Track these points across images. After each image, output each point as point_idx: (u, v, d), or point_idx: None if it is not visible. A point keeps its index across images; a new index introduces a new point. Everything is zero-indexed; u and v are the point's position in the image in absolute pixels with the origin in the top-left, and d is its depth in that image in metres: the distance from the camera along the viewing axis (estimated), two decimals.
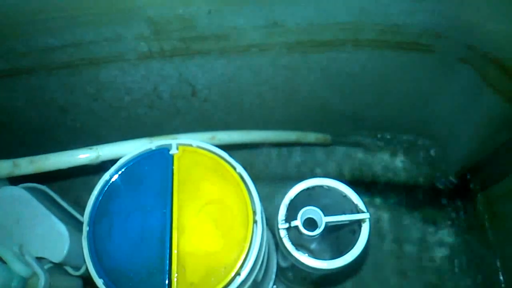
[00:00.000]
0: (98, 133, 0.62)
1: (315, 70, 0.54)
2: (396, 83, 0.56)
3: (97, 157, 0.41)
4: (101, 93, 0.54)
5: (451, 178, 0.66)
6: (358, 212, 0.35)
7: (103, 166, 0.44)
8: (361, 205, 0.35)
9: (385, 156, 0.69)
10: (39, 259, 0.36)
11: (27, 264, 0.33)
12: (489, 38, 0.45)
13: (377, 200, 0.67)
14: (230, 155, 0.37)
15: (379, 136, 0.69)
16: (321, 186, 0.36)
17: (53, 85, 0.52)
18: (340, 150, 0.69)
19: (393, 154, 0.69)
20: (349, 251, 0.35)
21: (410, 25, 0.46)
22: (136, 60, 0.49)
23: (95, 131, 0.62)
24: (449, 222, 0.64)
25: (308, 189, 0.36)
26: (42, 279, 0.33)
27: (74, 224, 0.39)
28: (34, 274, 0.34)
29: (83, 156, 0.40)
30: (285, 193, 0.63)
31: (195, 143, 0.37)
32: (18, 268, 0.31)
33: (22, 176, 0.42)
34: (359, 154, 0.69)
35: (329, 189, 0.37)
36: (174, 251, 0.33)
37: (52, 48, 0.46)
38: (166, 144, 0.38)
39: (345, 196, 0.36)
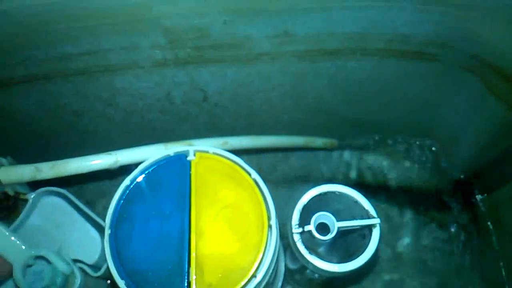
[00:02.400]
0: (109, 137, 0.64)
1: (323, 77, 0.55)
2: (401, 90, 0.57)
3: (116, 162, 0.42)
4: (115, 99, 0.55)
5: (455, 182, 0.67)
6: (368, 218, 0.37)
7: (113, 171, 0.46)
8: (371, 210, 0.37)
9: (389, 160, 0.70)
10: (74, 261, 0.38)
11: (68, 264, 0.35)
12: (492, 48, 0.46)
13: (381, 203, 0.68)
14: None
15: (383, 140, 0.71)
16: (333, 192, 0.38)
17: (68, 91, 0.53)
18: (346, 154, 0.71)
19: (397, 158, 0.70)
20: (360, 255, 0.36)
21: (416, 35, 0.48)
22: (151, 67, 0.50)
23: (107, 135, 0.63)
24: (453, 226, 0.66)
25: (320, 194, 0.38)
26: (78, 278, 0.36)
27: (98, 227, 0.41)
28: (72, 273, 0.36)
29: (103, 161, 0.42)
30: (292, 195, 0.65)
31: (211, 149, 0.39)
32: (62, 267, 0.34)
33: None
34: (364, 158, 0.71)
35: (341, 195, 0.38)
36: (193, 254, 0.35)
37: (69, 55, 0.47)
38: (183, 151, 0.39)
39: (356, 202, 0.38)
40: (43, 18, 0.41)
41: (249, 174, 0.38)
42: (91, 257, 0.41)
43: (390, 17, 0.45)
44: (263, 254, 0.35)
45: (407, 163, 0.70)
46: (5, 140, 0.54)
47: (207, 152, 0.39)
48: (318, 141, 0.64)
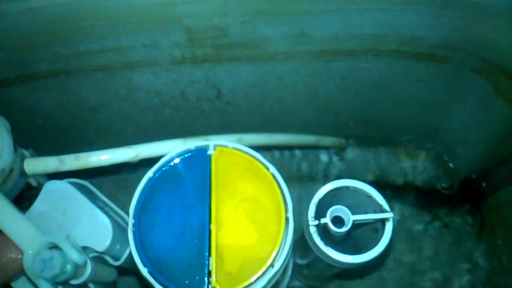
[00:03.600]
0: (124, 132, 0.65)
1: (336, 77, 0.57)
2: (411, 91, 0.59)
3: (136, 155, 0.44)
4: (132, 95, 0.57)
5: (462, 182, 0.68)
6: (382, 212, 0.38)
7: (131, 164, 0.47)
8: (385, 205, 0.38)
9: (396, 159, 0.72)
10: (84, 248, 0.39)
11: (81, 253, 0.35)
12: (503, 52, 0.48)
13: (387, 202, 0.69)
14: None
15: (391, 140, 0.72)
16: (348, 187, 0.39)
17: (87, 86, 0.55)
18: (354, 153, 0.72)
19: (405, 157, 0.72)
20: (373, 247, 0.37)
21: (429, 37, 0.49)
22: (169, 65, 0.52)
23: (122, 130, 0.65)
24: (458, 224, 0.67)
25: (335, 189, 0.39)
26: (89, 266, 0.36)
27: (113, 217, 0.42)
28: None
29: (124, 154, 0.43)
30: (300, 191, 0.66)
31: (230, 144, 0.40)
32: (73, 254, 0.34)
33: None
34: (372, 157, 0.72)
35: (355, 189, 0.39)
36: (213, 243, 0.36)
37: (92, 52, 0.48)
38: (204, 145, 0.41)
39: (369, 196, 0.39)
40: (70, 16, 0.42)
41: (267, 168, 0.39)
42: (101, 245, 0.40)
43: (406, 20, 0.46)
44: (280, 245, 0.36)
45: (413, 162, 0.72)
46: (25, 133, 0.55)
47: (226, 146, 0.40)
48: (328, 140, 0.65)
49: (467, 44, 0.49)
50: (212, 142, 0.40)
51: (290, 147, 0.69)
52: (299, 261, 0.53)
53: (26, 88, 0.52)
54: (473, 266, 0.64)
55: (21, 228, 0.34)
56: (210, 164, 0.39)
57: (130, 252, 0.37)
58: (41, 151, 0.58)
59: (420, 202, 0.70)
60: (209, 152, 0.40)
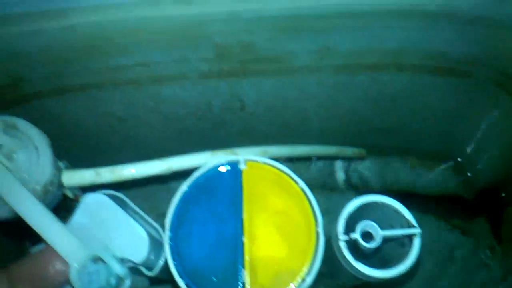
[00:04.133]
0: (148, 141, 0.67)
1: (358, 89, 0.58)
2: (432, 102, 0.60)
3: (169, 168, 0.45)
4: (159, 106, 0.58)
5: (480, 192, 0.69)
6: (409, 227, 0.39)
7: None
8: (412, 220, 0.39)
9: (415, 169, 0.73)
10: (122, 260, 0.40)
11: (123, 265, 0.37)
12: None
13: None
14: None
15: (409, 150, 0.73)
16: (376, 202, 0.40)
17: (116, 99, 0.56)
18: (373, 162, 0.73)
19: (424, 166, 0.72)
20: (401, 262, 0.39)
21: (451, 52, 0.50)
22: (196, 79, 0.53)
23: (146, 139, 0.66)
24: (477, 234, 0.67)
25: (363, 204, 0.40)
26: (129, 278, 0.38)
27: (147, 228, 0.44)
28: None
29: (157, 167, 0.45)
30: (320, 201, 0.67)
31: (261, 159, 0.42)
32: (117, 267, 0.36)
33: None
34: (390, 166, 0.73)
35: (383, 204, 0.40)
36: (246, 257, 0.38)
37: (122, 67, 0.50)
38: (234, 160, 0.42)
39: (396, 212, 0.40)
40: (105, 33, 0.44)
41: (297, 183, 0.41)
42: (139, 256, 0.41)
43: (429, 36, 0.47)
44: (312, 259, 0.38)
45: (432, 172, 0.72)
46: (57, 142, 0.58)
47: (257, 161, 0.42)
48: (349, 151, 0.66)
49: (490, 59, 0.50)
50: (243, 157, 0.42)
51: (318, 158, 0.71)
52: (323, 270, 0.54)
53: (58, 100, 0.54)
54: (491, 276, 0.65)
55: (66, 241, 0.35)
56: (242, 178, 0.41)
57: (163, 263, 0.39)
58: (72, 158, 0.60)
59: (438, 212, 0.71)
60: (240, 167, 0.41)
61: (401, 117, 0.63)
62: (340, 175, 0.72)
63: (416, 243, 0.39)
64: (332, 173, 0.72)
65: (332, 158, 0.70)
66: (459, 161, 0.71)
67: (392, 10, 0.43)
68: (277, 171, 0.41)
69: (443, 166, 0.71)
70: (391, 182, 0.71)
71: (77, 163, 0.60)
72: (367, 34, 0.47)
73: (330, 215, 0.66)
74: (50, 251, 0.35)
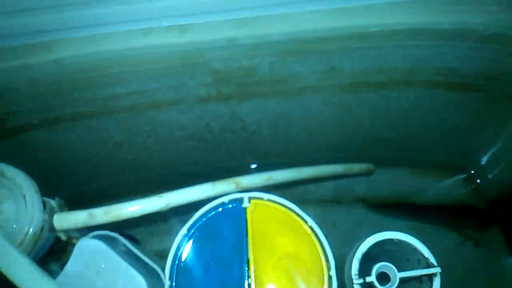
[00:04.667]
0: (147, 164, 0.64)
1: (364, 106, 0.55)
2: (443, 116, 0.57)
3: (167, 204, 0.43)
4: (156, 130, 0.56)
5: (492, 202, 0.66)
6: (428, 265, 0.37)
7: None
8: (431, 258, 0.36)
9: (426, 180, 0.70)
10: None
11: None
12: None
13: (416, 223, 0.68)
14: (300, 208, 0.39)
15: (421, 161, 0.70)
16: (392, 240, 0.38)
17: (112, 125, 0.53)
18: (381, 175, 0.70)
19: (435, 178, 0.69)
20: None
21: (464, 69, 0.47)
22: (194, 103, 0.50)
23: (146, 162, 0.64)
24: (490, 245, 0.65)
25: (378, 242, 0.38)
26: None
27: (146, 273, 0.41)
28: None
29: (154, 204, 0.42)
30: (327, 217, 0.64)
31: (266, 196, 0.39)
32: None
33: None
34: (400, 179, 0.70)
35: (400, 242, 0.38)
36: None
37: (117, 95, 0.47)
38: (237, 198, 0.39)
39: (414, 249, 0.38)
40: (95, 64, 0.41)
41: (306, 222, 0.38)
42: None
43: (441, 54, 0.44)
44: None
45: (443, 184, 0.69)
46: (50, 173, 0.55)
47: (261, 198, 0.39)
48: (356, 168, 0.63)
49: (503, 74, 0.47)
50: (247, 194, 0.39)
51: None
52: None
53: (50, 130, 0.51)
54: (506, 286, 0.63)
55: None
56: (246, 218, 0.38)
57: None
58: (67, 189, 0.58)
59: (451, 223, 0.68)
60: (244, 205, 0.39)
61: (410, 130, 0.61)
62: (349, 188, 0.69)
63: (437, 283, 0.36)
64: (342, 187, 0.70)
65: (340, 177, 0.67)
66: (471, 173, 0.68)
67: (403, 30, 0.40)
68: (284, 209, 0.39)
69: (455, 178, 0.69)
70: (401, 194, 0.69)
71: (72, 192, 0.57)
72: (377, 54, 0.44)
73: (337, 229, 0.63)
74: None
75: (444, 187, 0.69)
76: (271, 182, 0.50)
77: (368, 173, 0.67)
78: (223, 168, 0.65)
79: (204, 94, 0.49)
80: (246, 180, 0.47)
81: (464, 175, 0.69)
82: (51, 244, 0.42)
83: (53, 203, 0.44)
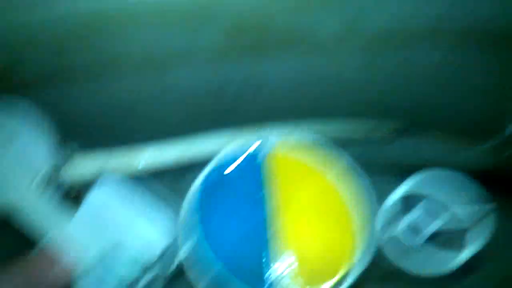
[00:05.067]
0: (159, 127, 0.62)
1: (390, 65, 0.52)
2: (475, 80, 0.53)
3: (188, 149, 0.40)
4: (165, 94, 0.53)
5: None
6: (458, 222, 0.34)
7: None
8: (463, 214, 0.34)
9: (452, 147, 0.67)
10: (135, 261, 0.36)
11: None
12: None
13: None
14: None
15: (449, 127, 0.67)
16: (420, 194, 0.35)
17: (114, 90, 0.51)
18: (407, 141, 0.67)
19: (463, 144, 0.66)
20: (456, 256, 0.33)
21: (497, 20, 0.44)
22: (204, 63, 0.48)
23: (157, 125, 0.61)
24: None
25: (404, 194, 0.35)
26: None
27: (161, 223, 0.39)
28: None
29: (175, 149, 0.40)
30: None
31: (291, 138, 0.36)
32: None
33: None
34: (426, 145, 0.67)
35: (429, 196, 0.35)
36: (277, 260, 0.33)
37: (121, 54, 0.45)
38: (256, 146, 0.37)
39: (444, 205, 0.35)
40: (97, 19, 0.39)
41: (337, 164, 0.35)
42: (151, 252, 0.37)
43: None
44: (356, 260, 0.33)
45: (472, 150, 0.66)
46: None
47: (286, 141, 0.36)
48: (377, 132, 0.60)
49: None
50: (269, 138, 0.36)
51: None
52: None
53: (57, 88, 0.49)
54: None
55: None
56: (266, 168, 0.36)
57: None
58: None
59: (479, 191, 0.65)
60: (265, 150, 0.36)
61: (439, 94, 0.57)
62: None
63: (468, 239, 0.34)
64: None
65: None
66: (499, 140, 0.65)
67: None
68: (310, 152, 0.36)
69: (484, 143, 0.65)
70: (427, 160, 0.66)
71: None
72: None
73: None
74: (47, 254, 0.32)
75: (474, 154, 0.66)
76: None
77: (391, 136, 0.64)
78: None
79: (216, 51, 0.47)
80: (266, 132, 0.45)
81: (494, 143, 0.66)
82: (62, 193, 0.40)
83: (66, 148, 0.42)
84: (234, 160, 0.36)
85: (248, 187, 0.35)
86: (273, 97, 0.57)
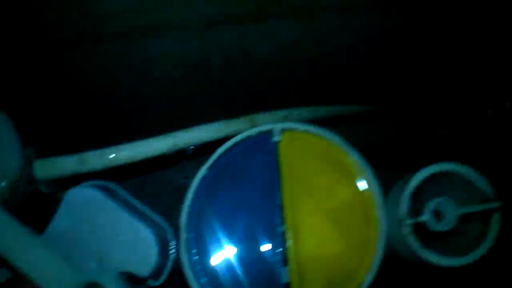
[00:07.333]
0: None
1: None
2: None
3: (174, 144, 0.36)
4: (151, 65, 0.48)
5: None
6: (488, 201, 0.31)
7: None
8: (490, 192, 0.31)
9: None
10: (122, 274, 0.31)
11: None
12: None
13: None
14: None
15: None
16: (445, 172, 0.32)
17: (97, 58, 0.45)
18: None
19: None
20: (479, 246, 0.31)
21: None
22: (196, 30, 0.42)
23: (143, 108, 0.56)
24: None
25: (431, 175, 0.32)
26: None
27: (153, 225, 0.35)
28: None
29: (159, 144, 0.35)
30: None
31: (301, 126, 0.32)
32: None
33: None
34: None
35: (452, 175, 0.32)
36: (291, 256, 0.29)
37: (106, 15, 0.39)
38: (266, 130, 0.32)
39: (469, 183, 0.32)
40: None
41: (349, 155, 0.32)
42: (145, 268, 0.32)
43: None
44: (372, 252, 0.30)
45: None
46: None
47: (295, 130, 0.32)
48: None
49: None
50: (278, 126, 0.32)
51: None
52: None
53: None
54: None
55: (47, 266, 0.26)
56: (278, 154, 0.32)
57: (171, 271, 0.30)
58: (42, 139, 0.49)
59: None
60: (275, 139, 0.32)
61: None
62: None
63: (496, 219, 0.31)
64: None
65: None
66: None
67: None
68: (323, 141, 0.32)
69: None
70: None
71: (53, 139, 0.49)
72: None
73: None
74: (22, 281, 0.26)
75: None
76: (288, 121, 0.44)
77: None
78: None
79: (207, 17, 0.41)
80: (261, 118, 0.41)
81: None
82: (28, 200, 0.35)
83: (31, 150, 0.36)
84: (240, 149, 0.32)
85: (257, 178, 0.31)
86: (265, 71, 0.52)
